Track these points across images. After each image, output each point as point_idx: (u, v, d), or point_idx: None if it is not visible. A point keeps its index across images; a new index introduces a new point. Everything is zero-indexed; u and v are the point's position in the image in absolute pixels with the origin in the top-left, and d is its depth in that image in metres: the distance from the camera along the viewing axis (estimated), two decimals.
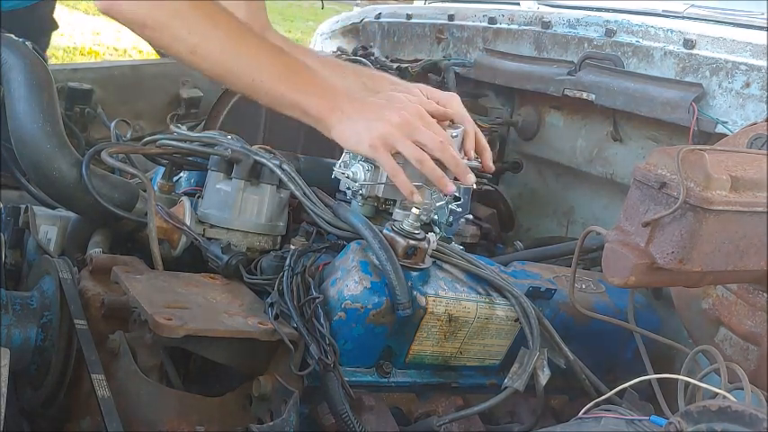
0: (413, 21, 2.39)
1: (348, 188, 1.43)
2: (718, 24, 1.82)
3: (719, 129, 1.49)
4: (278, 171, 1.33)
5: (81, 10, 8.84)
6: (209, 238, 1.32)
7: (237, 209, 1.34)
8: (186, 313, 1.05)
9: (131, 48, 7.54)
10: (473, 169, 1.64)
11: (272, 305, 1.13)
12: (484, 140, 1.63)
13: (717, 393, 0.88)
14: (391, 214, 1.42)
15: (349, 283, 1.16)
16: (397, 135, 1.28)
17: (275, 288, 1.17)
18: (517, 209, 1.99)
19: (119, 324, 1.13)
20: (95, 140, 1.93)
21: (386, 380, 1.22)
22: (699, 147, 1.04)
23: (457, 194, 1.47)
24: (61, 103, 1.68)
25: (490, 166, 1.64)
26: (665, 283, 1.14)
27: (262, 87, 1.33)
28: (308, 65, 1.39)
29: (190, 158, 1.44)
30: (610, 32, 1.78)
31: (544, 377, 1.19)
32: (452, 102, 1.61)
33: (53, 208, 1.46)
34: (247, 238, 1.35)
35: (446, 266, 1.28)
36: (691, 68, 1.58)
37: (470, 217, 1.57)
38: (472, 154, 1.61)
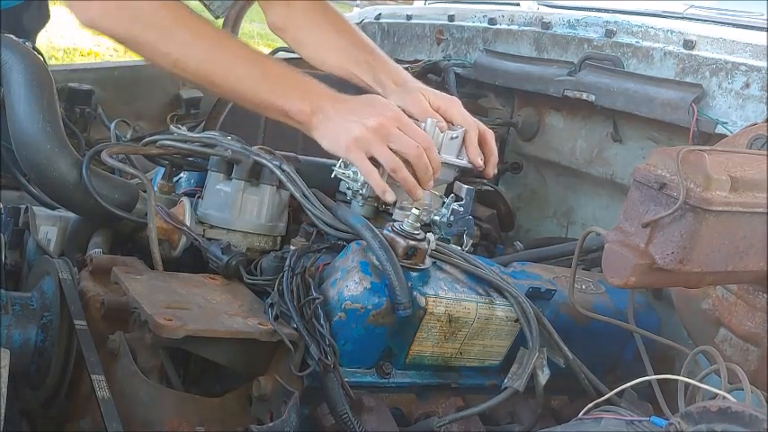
0: (413, 21, 2.39)
1: (348, 188, 1.43)
2: (718, 25, 1.82)
3: (719, 129, 1.49)
4: (278, 172, 1.33)
5: None
6: (209, 239, 1.32)
7: (237, 209, 1.34)
8: (186, 314, 1.05)
9: None
10: (469, 170, 1.64)
11: (272, 306, 1.13)
12: (493, 145, 1.63)
13: (717, 394, 0.88)
14: (391, 215, 1.42)
15: (349, 283, 1.16)
16: (372, 139, 1.30)
17: (275, 288, 1.17)
18: (517, 209, 1.99)
19: (119, 325, 1.13)
20: (95, 141, 1.93)
21: (386, 380, 1.22)
22: (699, 147, 1.04)
23: (458, 195, 1.47)
24: (61, 103, 1.67)
25: (489, 173, 1.64)
26: (665, 283, 1.14)
27: (242, 93, 1.36)
28: (291, 68, 1.40)
29: (190, 159, 1.44)
30: (610, 33, 1.78)
31: (544, 377, 1.19)
32: (453, 106, 1.61)
33: (53, 208, 1.46)
34: (247, 238, 1.35)
35: (446, 267, 1.28)
36: (691, 69, 1.58)
37: (470, 217, 1.57)
38: (475, 157, 1.60)
